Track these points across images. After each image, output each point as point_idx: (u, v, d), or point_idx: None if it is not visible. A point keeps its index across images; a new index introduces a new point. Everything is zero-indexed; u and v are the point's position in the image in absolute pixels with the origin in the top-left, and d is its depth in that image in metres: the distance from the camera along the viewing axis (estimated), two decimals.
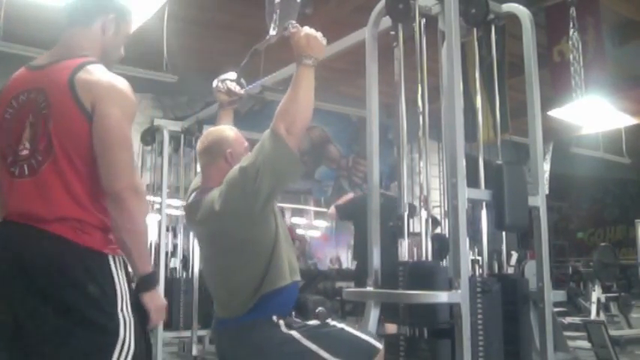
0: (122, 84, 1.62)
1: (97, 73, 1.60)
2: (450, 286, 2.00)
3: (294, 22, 1.97)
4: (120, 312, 1.52)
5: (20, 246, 1.53)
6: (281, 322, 1.88)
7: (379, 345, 1.96)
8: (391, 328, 4.18)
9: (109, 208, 1.55)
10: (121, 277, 1.56)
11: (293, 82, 1.88)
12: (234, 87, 2.37)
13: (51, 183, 1.53)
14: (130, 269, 1.63)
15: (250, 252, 1.90)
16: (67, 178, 1.54)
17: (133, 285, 1.63)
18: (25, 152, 1.56)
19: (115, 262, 1.57)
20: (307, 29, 1.93)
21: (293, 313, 1.94)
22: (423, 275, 2.08)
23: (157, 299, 1.62)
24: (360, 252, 5.04)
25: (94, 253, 1.54)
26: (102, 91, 1.56)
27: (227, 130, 2.13)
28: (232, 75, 2.38)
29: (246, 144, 2.11)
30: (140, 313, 1.59)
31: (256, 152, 1.85)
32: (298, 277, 1.97)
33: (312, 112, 1.88)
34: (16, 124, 1.59)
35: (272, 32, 2.13)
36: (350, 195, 6.16)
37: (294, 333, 1.86)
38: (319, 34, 1.94)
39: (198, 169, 2.32)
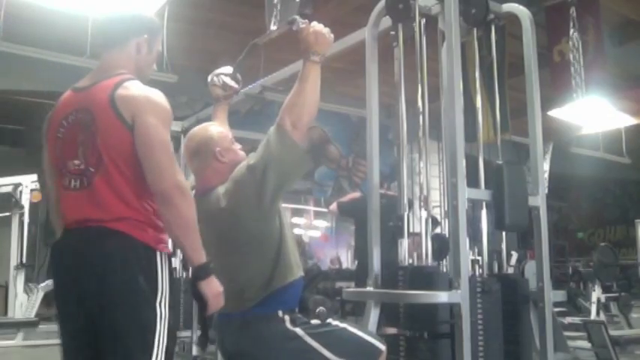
0: (157, 95, 1.77)
1: (133, 88, 1.76)
2: (449, 286, 2.01)
3: (299, 17, 1.97)
4: (158, 306, 1.68)
5: (80, 245, 1.70)
6: (286, 317, 1.88)
7: (382, 346, 1.96)
8: (390, 329, 4.19)
9: (159, 206, 1.69)
10: (164, 273, 1.72)
11: (300, 77, 1.90)
12: (230, 81, 2.36)
13: (103, 191, 1.70)
14: (173, 267, 1.80)
15: (259, 247, 1.91)
16: (116, 185, 1.70)
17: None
18: (79, 167, 1.73)
19: (161, 259, 1.72)
20: (316, 25, 1.94)
21: (296, 310, 1.95)
22: (423, 281, 2.09)
23: (213, 286, 1.74)
24: (362, 252, 5.04)
25: (146, 248, 1.70)
26: (139, 104, 1.72)
27: (208, 128, 2.12)
28: (228, 69, 2.38)
29: (230, 136, 2.11)
30: (174, 311, 1.74)
31: (263, 148, 1.87)
32: (302, 273, 1.99)
33: (317, 107, 1.90)
34: (68, 142, 1.76)
35: (273, 27, 2.13)
36: (355, 194, 6.14)
37: (298, 330, 1.87)
38: (327, 30, 1.95)
39: None
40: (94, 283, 1.65)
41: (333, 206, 5.70)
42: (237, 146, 2.09)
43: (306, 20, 1.97)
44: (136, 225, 1.69)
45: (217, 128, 2.12)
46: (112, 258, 1.66)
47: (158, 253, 1.72)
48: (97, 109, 1.72)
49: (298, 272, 1.95)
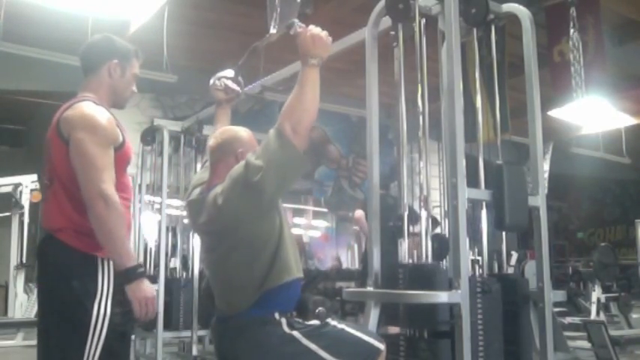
0: (91, 113, 1.90)
1: (78, 108, 1.92)
2: (449, 286, 2.01)
3: (298, 21, 1.97)
4: (96, 305, 1.83)
5: (39, 251, 1.98)
6: (283, 320, 1.87)
7: (381, 345, 1.95)
8: (392, 328, 4.19)
9: (88, 214, 1.83)
10: (105, 276, 1.88)
11: (299, 81, 1.88)
12: (232, 84, 2.36)
13: (51, 204, 1.94)
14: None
15: (255, 247, 1.90)
16: (59, 199, 1.91)
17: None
18: (46, 182, 1.97)
19: (102, 264, 1.89)
20: (313, 29, 1.93)
21: (294, 312, 1.94)
22: (423, 277, 2.09)
23: (138, 290, 1.84)
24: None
25: (84, 255, 1.87)
26: (73, 121, 1.88)
27: (241, 131, 2.14)
28: (230, 72, 2.38)
29: (257, 147, 2.12)
30: (125, 308, 1.87)
31: (262, 150, 1.86)
32: (301, 274, 1.98)
33: (317, 111, 1.89)
34: (45, 160, 1.99)
35: (272, 31, 2.14)
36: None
37: (295, 333, 1.86)
38: (325, 33, 1.93)
39: (199, 168, 2.32)
40: (42, 284, 1.95)
41: (360, 213, 5.41)
42: None
43: (304, 25, 1.96)
44: (73, 235, 1.87)
45: (250, 135, 2.13)
46: (51, 263, 1.90)
47: (99, 259, 1.88)
48: (51, 130, 1.93)
49: (296, 272, 1.94)
